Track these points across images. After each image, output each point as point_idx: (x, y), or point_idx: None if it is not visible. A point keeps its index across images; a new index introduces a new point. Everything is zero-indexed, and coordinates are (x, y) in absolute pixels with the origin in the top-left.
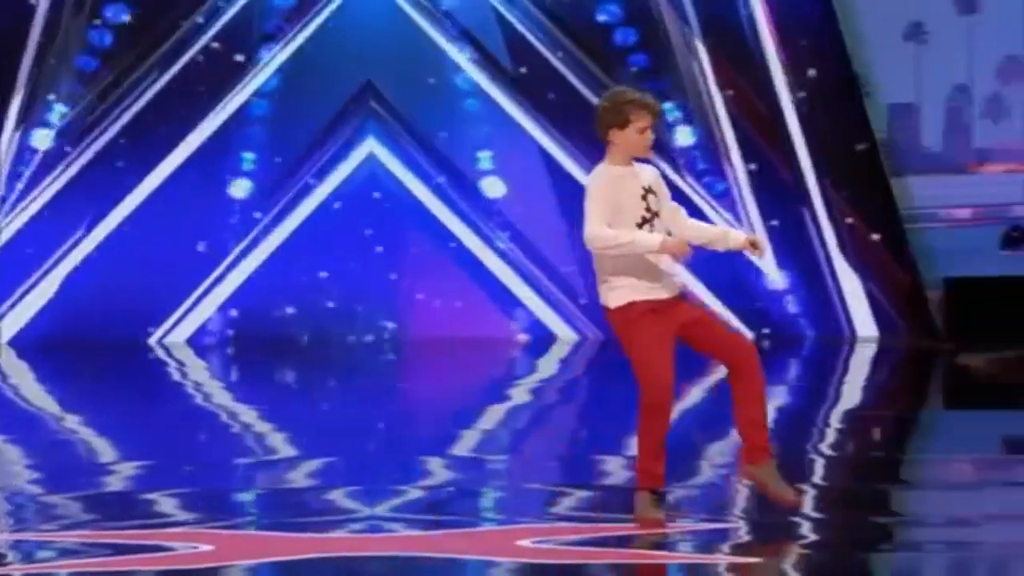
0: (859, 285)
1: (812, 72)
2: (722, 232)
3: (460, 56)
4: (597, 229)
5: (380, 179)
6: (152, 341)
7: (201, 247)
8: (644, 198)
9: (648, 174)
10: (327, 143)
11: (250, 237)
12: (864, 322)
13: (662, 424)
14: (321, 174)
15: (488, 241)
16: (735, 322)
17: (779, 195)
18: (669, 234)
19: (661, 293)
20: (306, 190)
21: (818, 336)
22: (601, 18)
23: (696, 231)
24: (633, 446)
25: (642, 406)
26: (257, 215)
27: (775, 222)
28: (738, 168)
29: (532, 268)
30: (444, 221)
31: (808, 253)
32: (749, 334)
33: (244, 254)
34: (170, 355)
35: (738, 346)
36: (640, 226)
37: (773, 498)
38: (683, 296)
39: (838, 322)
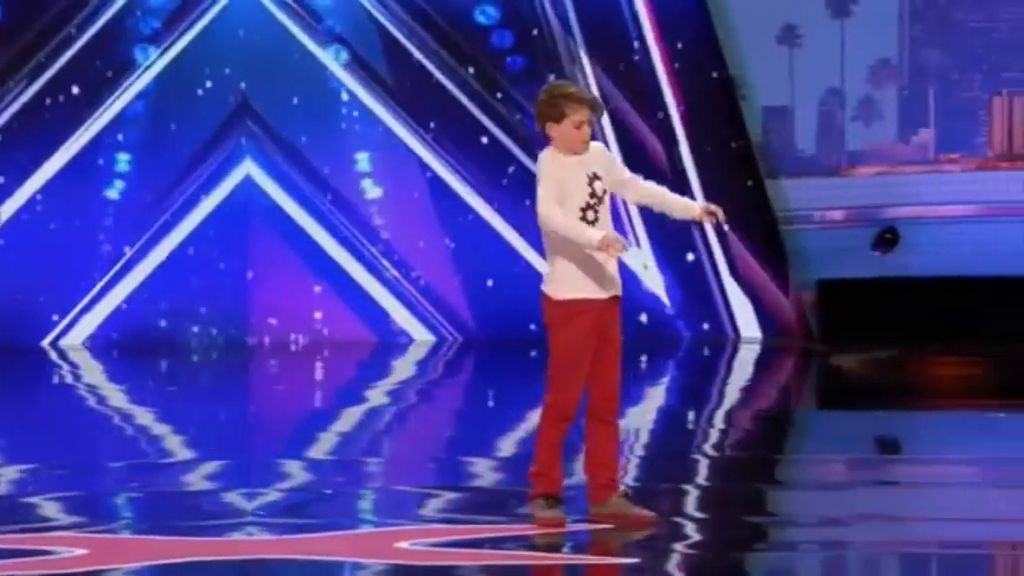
0: (734, 286)
1: (688, 74)
2: (683, 202)
3: (333, 62)
4: (548, 208)
5: (255, 198)
6: (44, 344)
7: (81, 251)
8: (590, 184)
9: (595, 158)
10: (208, 158)
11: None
12: (738, 323)
13: (558, 440)
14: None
15: (351, 243)
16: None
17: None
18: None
19: (601, 293)
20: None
21: (693, 337)
22: (479, 20)
23: (654, 197)
24: (498, 447)
25: (546, 414)
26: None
27: (652, 223)
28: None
29: (393, 270)
30: (298, 219)
31: (685, 254)
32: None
33: (126, 260)
34: (64, 358)
35: (610, 389)
36: (584, 211)
37: (634, 523)
38: (618, 300)
39: (713, 323)
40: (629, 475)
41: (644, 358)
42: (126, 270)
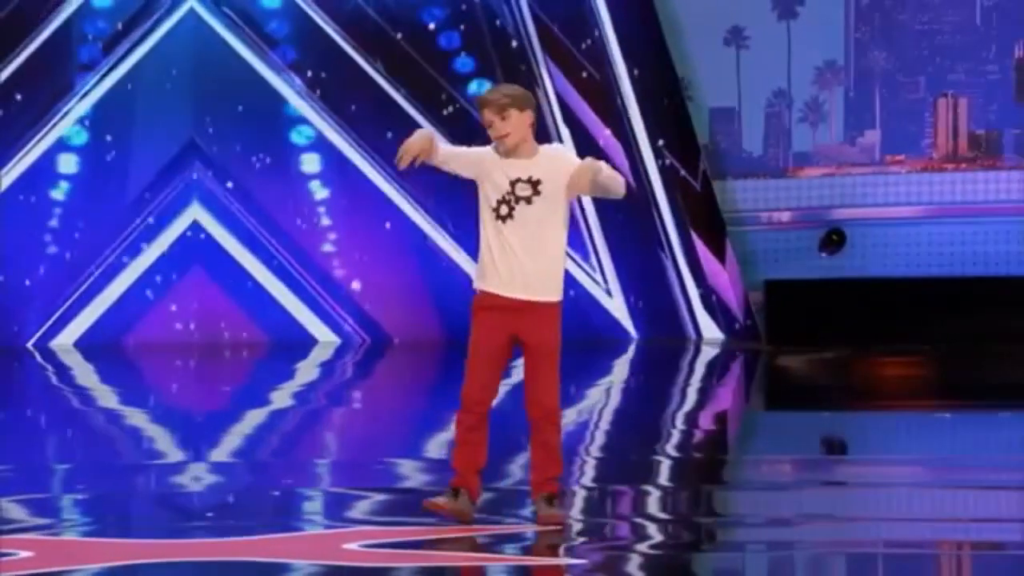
0: (678, 287)
1: (636, 74)
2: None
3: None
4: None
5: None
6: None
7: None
8: (513, 184)
9: (537, 167)
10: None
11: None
12: (684, 324)
13: (463, 433)
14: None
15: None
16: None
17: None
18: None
19: (509, 291)
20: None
21: (640, 339)
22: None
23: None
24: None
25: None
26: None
27: (599, 226)
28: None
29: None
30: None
31: (632, 256)
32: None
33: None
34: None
35: (534, 394)
36: (496, 208)
37: (541, 522)
38: (542, 311)
39: (660, 325)
40: (581, 476)
41: (594, 359)
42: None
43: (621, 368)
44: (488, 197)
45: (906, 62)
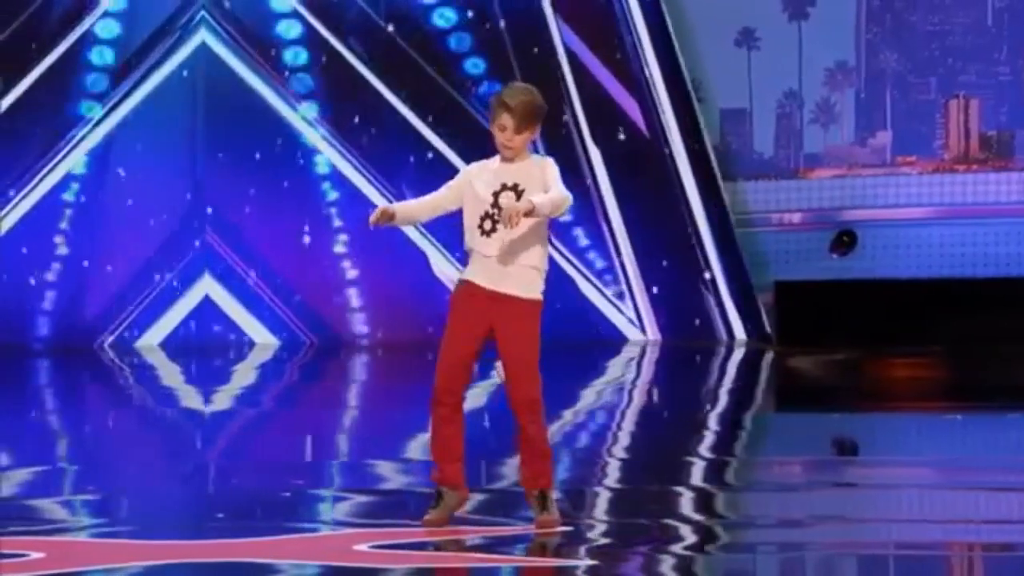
0: (688, 288)
1: (647, 75)
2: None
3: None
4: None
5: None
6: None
7: None
8: (496, 194)
9: (520, 173)
10: None
11: None
12: (694, 325)
13: (438, 423)
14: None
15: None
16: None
17: (584, 192)
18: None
19: (485, 280)
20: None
21: (648, 340)
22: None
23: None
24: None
25: None
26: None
27: (589, 227)
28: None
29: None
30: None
31: (638, 257)
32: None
33: None
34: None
35: (516, 392)
36: (482, 222)
37: (537, 525)
38: (520, 306)
39: (667, 325)
40: (592, 477)
41: (603, 361)
42: None
43: (629, 370)
44: (472, 214)
45: (917, 63)
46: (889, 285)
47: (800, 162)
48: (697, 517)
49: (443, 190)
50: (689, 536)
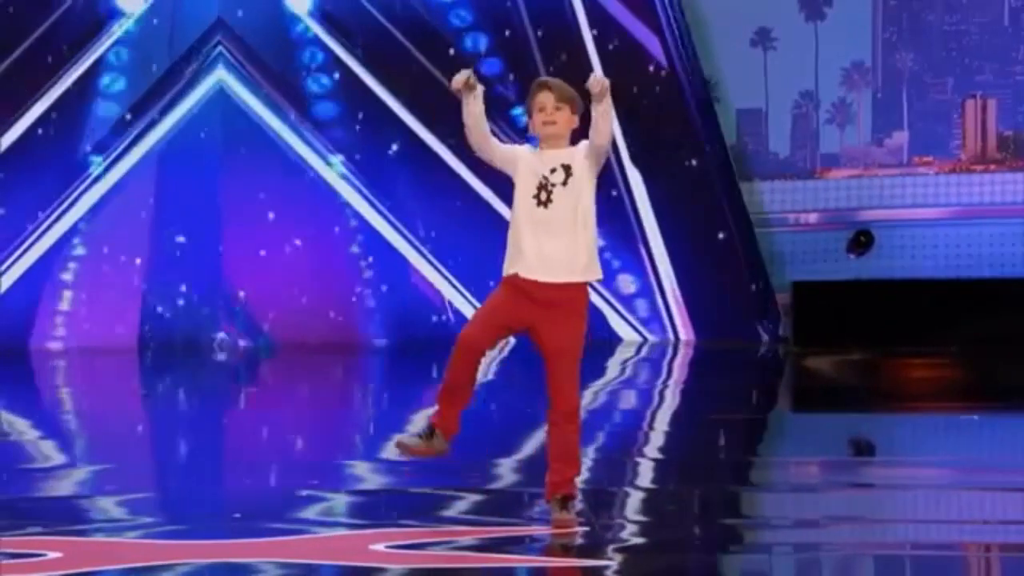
0: (707, 288)
1: (664, 75)
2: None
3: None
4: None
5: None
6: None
7: None
8: (549, 172)
9: (566, 155)
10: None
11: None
12: (712, 325)
13: (458, 368)
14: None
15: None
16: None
17: (609, 192)
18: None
19: (538, 274)
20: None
21: (665, 340)
22: (453, 23)
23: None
24: (495, 449)
25: None
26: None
27: (619, 223)
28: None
29: None
30: None
31: (658, 256)
32: (642, 337)
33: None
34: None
35: (560, 398)
36: (537, 195)
37: (554, 525)
38: (567, 305)
39: (685, 325)
40: (603, 478)
41: (620, 360)
42: None
43: (643, 370)
44: (527, 185)
45: (934, 63)
46: (906, 285)
47: (817, 162)
48: (714, 517)
49: (503, 144)
50: (706, 536)
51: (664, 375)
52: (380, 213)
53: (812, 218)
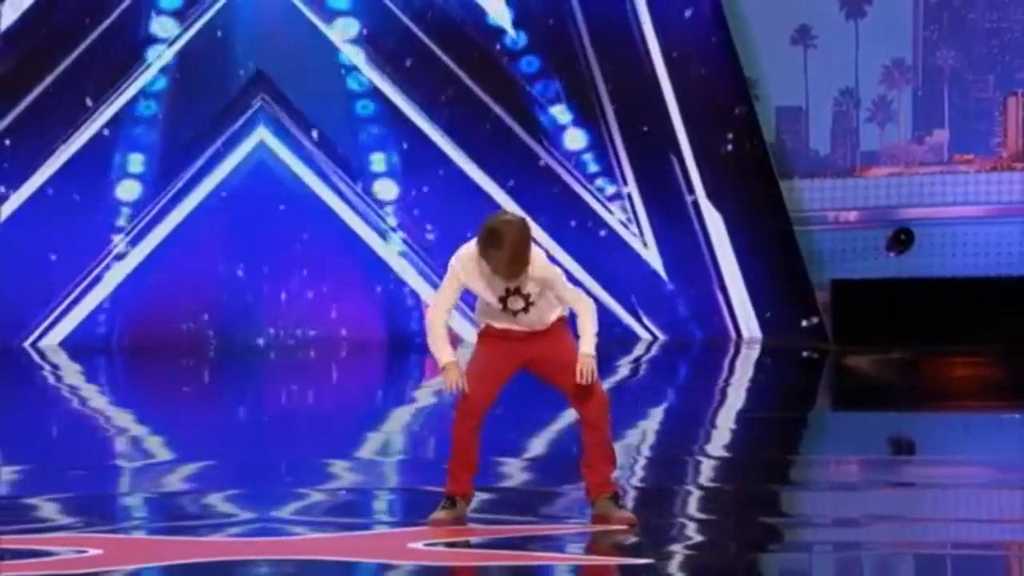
0: (747, 287)
1: (703, 73)
2: (580, 345)
3: (354, 54)
4: (431, 313)
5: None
6: (35, 344)
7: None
8: (504, 299)
9: (525, 281)
10: (216, 135)
11: (131, 236)
12: (752, 324)
13: (464, 435)
14: (209, 166)
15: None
16: (630, 320)
17: (671, 197)
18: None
19: (519, 329)
20: (195, 182)
21: (706, 338)
22: (493, 22)
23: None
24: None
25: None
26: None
27: (664, 220)
28: (627, 171)
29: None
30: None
31: (697, 255)
32: (666, 336)
33: (123, 256)
34: (44, 358)
35: (586, 401)
36: (504, 300)
37: (615, 522)
38: (550, 330)
39: (726, 324)
40: (646, 476)
41: (654, 360)
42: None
43: (684, 368)
44: (488, 299)
45: (975, 61)
46: (946, 283)
47: (857, 160)
48: (754, 515)
49: (452, 293)
50: (746, 535)
51: (698, 374)
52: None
53: (852, 216)
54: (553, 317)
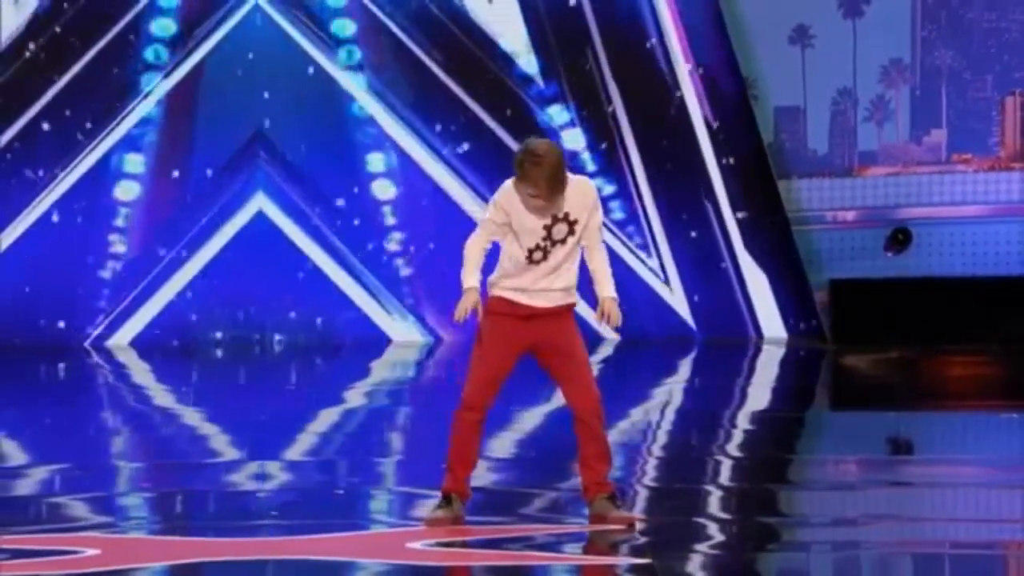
0: (744, 287)
1: (701, 73)
2: (600, 285)
3: (354, 85)
4: (472, 237)
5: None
6: (87, 344)
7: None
8: (548, 229)
9: (568, 201)
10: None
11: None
12: (750, 323)
13: (466, 434)
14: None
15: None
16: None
17: (678, 197)
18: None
19: (527, 300)
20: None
21: (706, 338)
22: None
23: (593, 273)
24: (500, 449)
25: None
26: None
27: (668, 220)
28: (637, 170)
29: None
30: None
31: (698, 256)
32: (698, 332)
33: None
34: (102, 359)
35: (581, 396)
36: (530, 255)
37: (613, 522)
38: (560, 314)
39: (723, 324)
40: (645, 475)
41: (656, 358)
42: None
43: (684, 367)
44: (521, 244)
45: (973, 60)
46: (944, 283)
47: (855, 160)
48: (752, 515)
49: (492, 224)
50: (745, 534)
51: (699, 374)
52: None
53: (850, 216)
54: (571, 279)
